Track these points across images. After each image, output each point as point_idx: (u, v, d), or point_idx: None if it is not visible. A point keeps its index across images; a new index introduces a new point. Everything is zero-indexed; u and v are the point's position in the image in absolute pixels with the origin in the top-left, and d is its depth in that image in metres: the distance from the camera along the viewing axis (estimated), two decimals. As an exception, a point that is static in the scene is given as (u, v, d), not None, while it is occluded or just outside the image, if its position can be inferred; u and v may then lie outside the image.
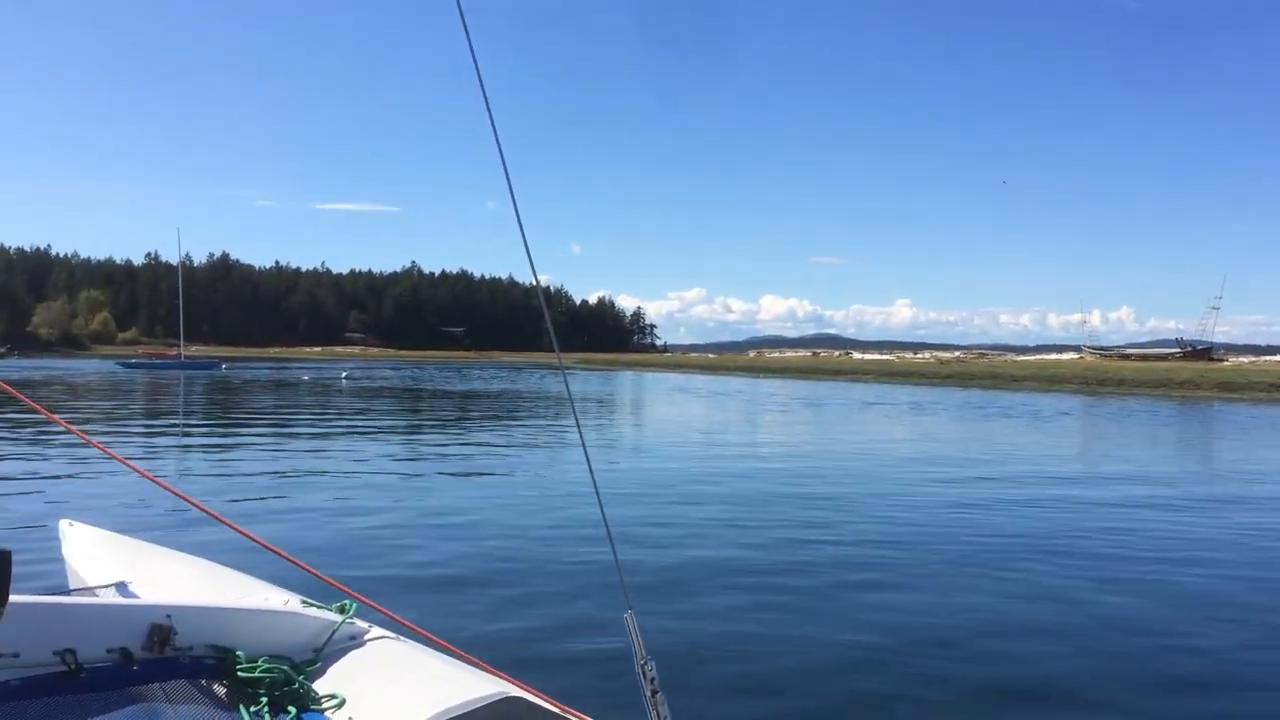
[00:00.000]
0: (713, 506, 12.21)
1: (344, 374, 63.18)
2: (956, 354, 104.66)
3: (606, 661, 5.56)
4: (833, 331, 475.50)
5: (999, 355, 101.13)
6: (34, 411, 21.61)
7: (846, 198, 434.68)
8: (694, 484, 14.50)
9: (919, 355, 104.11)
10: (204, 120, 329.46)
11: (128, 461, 3.67)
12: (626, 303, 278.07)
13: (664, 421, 30.89)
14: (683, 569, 8.47)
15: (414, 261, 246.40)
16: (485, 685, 2.55)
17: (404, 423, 27.69)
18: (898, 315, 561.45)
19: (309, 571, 3.28)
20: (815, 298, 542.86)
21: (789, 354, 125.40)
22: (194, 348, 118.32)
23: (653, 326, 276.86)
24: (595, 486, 2.61)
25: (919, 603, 7.54)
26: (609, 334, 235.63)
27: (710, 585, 7.87)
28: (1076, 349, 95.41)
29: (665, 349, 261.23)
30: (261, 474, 14.68)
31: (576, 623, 6.62)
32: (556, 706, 2.49)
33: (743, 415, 34.20)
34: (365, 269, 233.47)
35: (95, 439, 4.10)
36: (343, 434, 22.81)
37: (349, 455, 17.85)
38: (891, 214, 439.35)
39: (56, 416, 3.81)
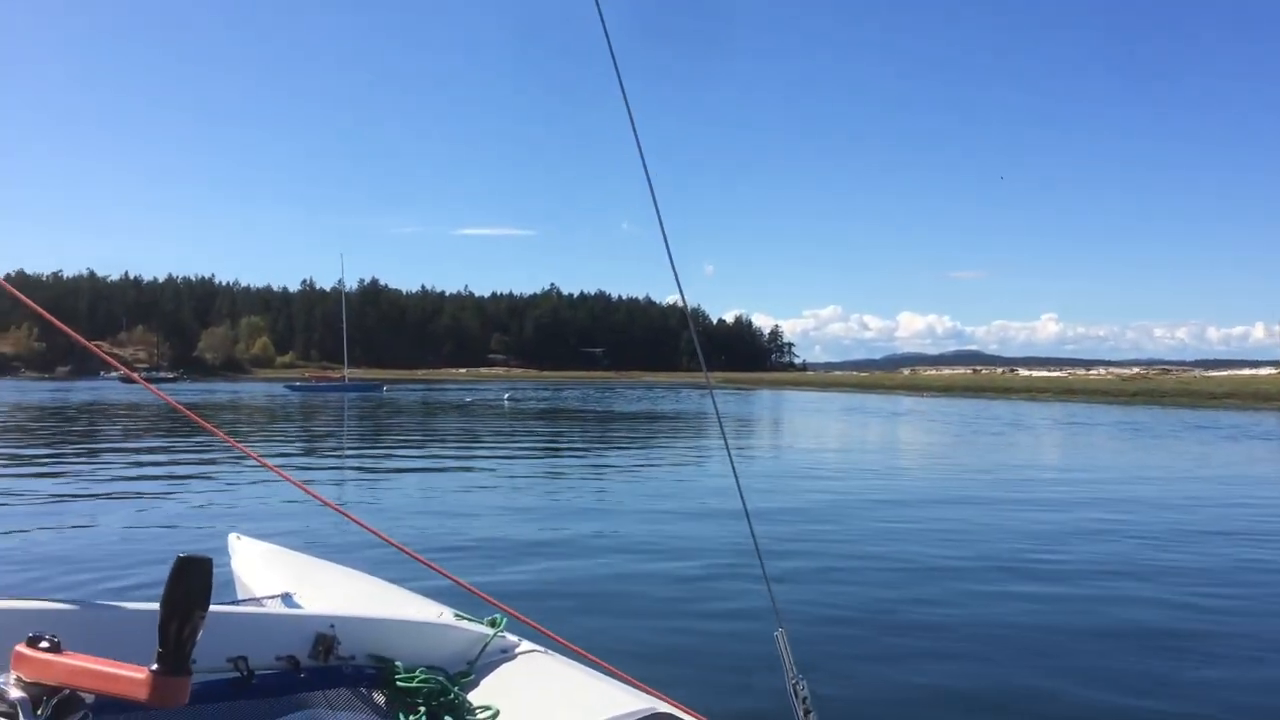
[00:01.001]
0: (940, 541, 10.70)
1: (506, 396, 63.23)
2: (1135, 370, 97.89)
3: (758, 679, 5.40)
4: (974, 348, 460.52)
5: (1185, 371, 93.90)
6: (208, 433, 22.40)
7: (986, 208, 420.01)
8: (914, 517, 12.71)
9: (1093, 372, 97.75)
10: (348, 151, 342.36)
11: (297, 481, 3.70)
12: (761, 321, 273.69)
13: (860, 444, 28.54)
14: (846, 593, 8.12)
15: (553, 284, 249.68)
16: (635, 701, 2.55)
17: (568, 443, 27.30)
18: (1043, 330, 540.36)
19: (462, 585, 3.25)
20: (955, 313, 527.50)
21: (946, 371, 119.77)
22: (346, 370, 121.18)
23: (790, 345, 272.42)
24: (742, 497, 2.59)
25: None
26: (746, 353, 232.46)
27: (873, 611, 7.51)
28: (1275, 363, 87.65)
29: (804, 367, 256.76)
30: (423, 491, 15.17)
31: (728, 639, 6.58)
32: None
33: (948, 438, 31.32)
34: (506, 291, 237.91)
35: (269, 460, 4.19)
36: (508, 454, 22.76)
37: (510, 474, 17.99)
38: (1035, 224, 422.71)
39: (246, 447, 3.93)
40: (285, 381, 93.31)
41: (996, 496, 15.24)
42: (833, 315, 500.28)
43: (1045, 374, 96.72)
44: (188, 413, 3.62)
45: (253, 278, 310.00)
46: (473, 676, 2.92)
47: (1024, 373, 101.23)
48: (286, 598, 3.40)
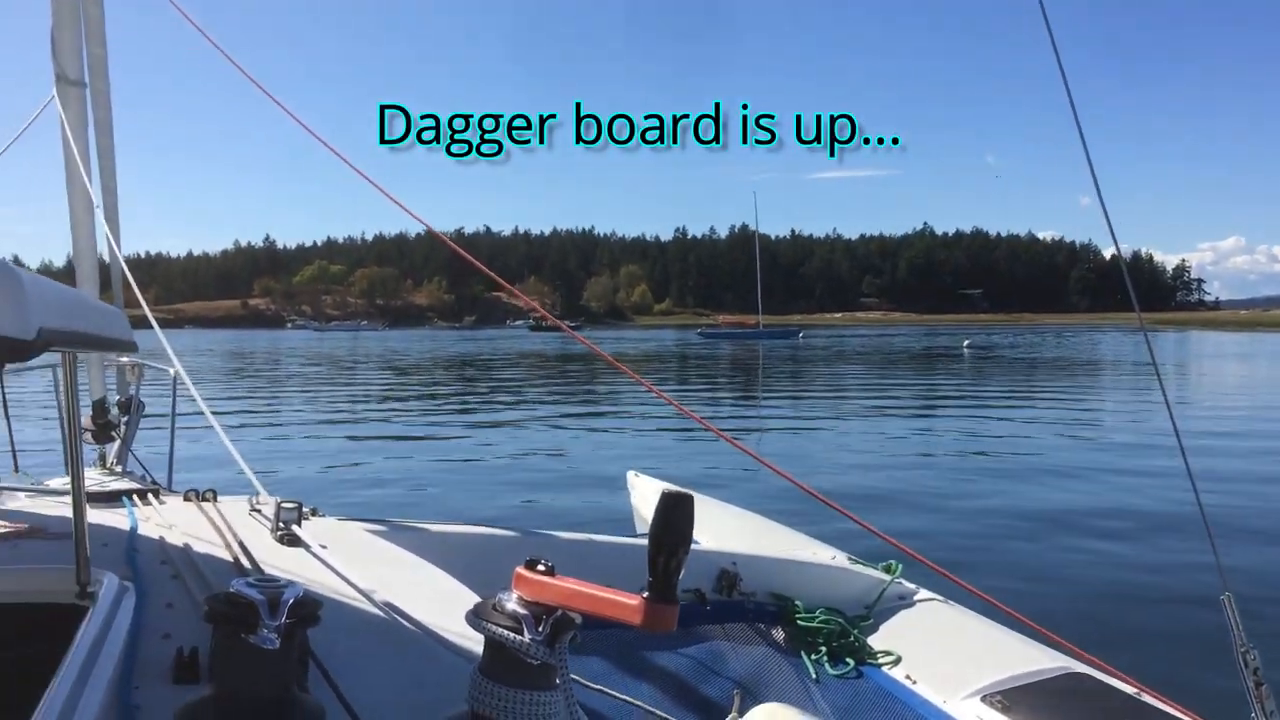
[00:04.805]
0: None
1: (966, 343, 59.55)
2: None
3: (1196, 645, 4.95)
4: None
5: None
6: (607, 378, 26.29)
7: None
8: None
9: None
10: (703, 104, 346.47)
11: (713, 427, 3.68)
12: (1146, 256, 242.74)
13: None
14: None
15: (925, 222, 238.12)
16: (1047, 658, 2.49)
17: (1015, 391, 25.51)
18: None
19: (871, 530, 3.05)
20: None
21: None
22: (721, 316, 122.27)
23: (1200, 281, 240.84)
24: (1180, 445, 2.37)
25: None
26: (1143, 292, 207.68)
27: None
28: None
29: (1216, 306, 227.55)
30: (853, 441, 15.06)
31: (1161, 599, 6.21)
32: (1133, 686, 2.34)
33: None
34: (875, 232, 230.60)
35: (683, 404, 4.20)
36: (953, 405, 21.89)
37: (944, 424, 17.46)
38: None
39: (674, 399, 4.04)
40: (703, 329, 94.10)
41: None
42: (1234, 247, 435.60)
43: None
44: (623, 367, 3.68)
45: (628, 228, 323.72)
46: (871, 620, 2.94)
47: None
48: None
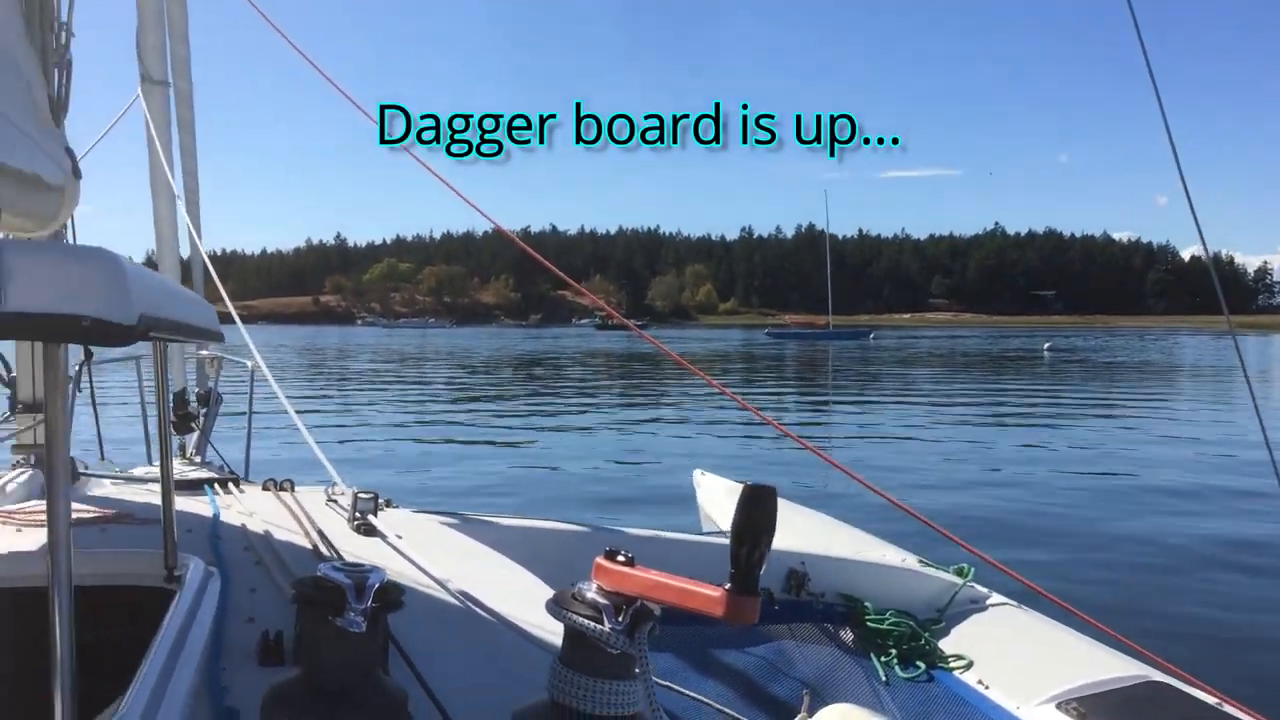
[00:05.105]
0: None
1: (1046, 346, 58.74)
2: None
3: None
4: None
5: None
6: (674, 378, 26.46)
7: None
8: None
9: None
10: (768, 102, 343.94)
11: (774, 421, 3.95)
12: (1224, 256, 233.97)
13: None
14: None
15: (997, 222, 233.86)
16: (1124, 666, 2.45)
17: (1102, 399, 24.60)
18: None
19: (944, 534, 3.04)
20: None
21: None
22: (789, 316, 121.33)
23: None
24: (1272, 458, 2.38)
25: None
26: (1224, 294, 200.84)
27: None
28: None
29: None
30: (916, 442, 15.13)
31: (1246, 610, 6.09)
32: (1215, 696, 2.28)
33: None
34: (945, 232, 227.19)
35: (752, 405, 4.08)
36: (1019, 409, 21.10)
37: (1025, 433, 16.58)
38: None
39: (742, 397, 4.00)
40: (771, 329, 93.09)
41: None
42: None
43: None
44: (697, 370, 3.70)
45: (693, 228, 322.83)
46: (942, 624, 2.91)
47: None
48: None
